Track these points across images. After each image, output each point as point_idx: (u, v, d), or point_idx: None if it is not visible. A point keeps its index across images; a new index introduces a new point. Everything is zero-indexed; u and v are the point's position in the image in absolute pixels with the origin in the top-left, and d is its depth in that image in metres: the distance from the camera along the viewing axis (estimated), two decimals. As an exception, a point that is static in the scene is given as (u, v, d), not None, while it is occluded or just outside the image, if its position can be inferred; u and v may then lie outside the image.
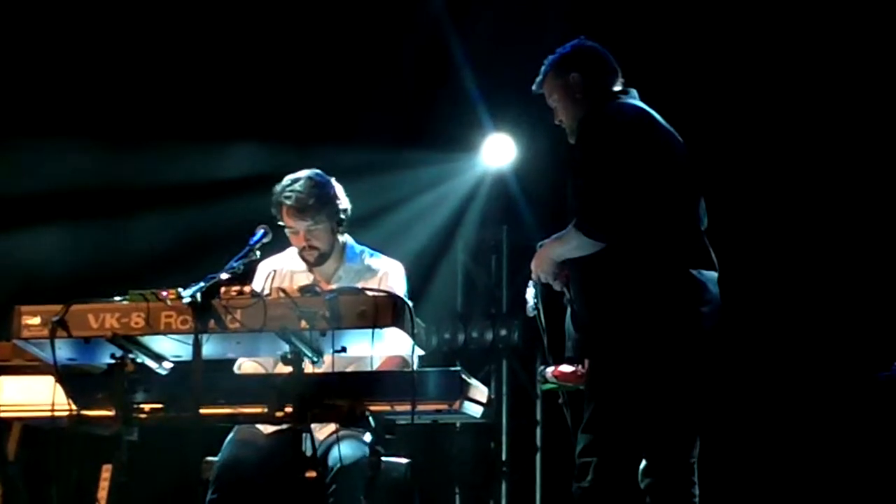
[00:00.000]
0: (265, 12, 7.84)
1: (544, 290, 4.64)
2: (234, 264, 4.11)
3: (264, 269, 4.85)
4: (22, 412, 4.40)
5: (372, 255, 4.98)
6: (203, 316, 3.87)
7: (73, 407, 4.08)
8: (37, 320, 3.97)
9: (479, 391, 4.25)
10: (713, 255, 4.35)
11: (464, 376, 4.11)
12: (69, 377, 4.08)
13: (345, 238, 4.95)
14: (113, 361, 4.02)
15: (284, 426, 4.14)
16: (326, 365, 4.11)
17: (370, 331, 3.88)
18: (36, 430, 4.56)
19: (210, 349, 3.99)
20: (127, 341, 3.98)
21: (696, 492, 4.34)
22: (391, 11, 7.87)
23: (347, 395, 4.03)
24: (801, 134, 7.34)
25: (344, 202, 4.88)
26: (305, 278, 4.81)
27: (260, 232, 4.50)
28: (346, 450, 4.47)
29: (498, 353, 8.49)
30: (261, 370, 4.81)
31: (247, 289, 3.95)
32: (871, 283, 7.14)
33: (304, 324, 3.86)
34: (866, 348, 6.40)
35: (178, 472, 4.36)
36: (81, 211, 7.39)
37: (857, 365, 6.50)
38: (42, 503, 4.56)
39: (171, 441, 3.98)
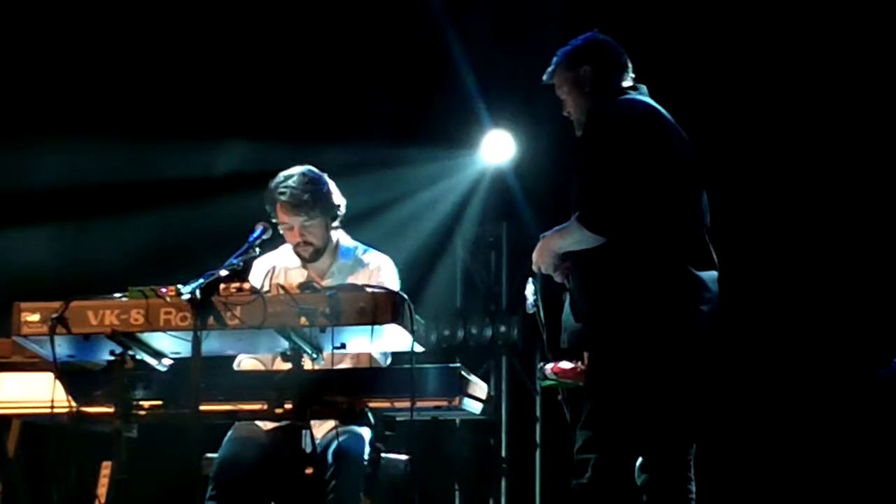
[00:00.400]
0: (265, 9, 7.83)
1: (543, 287, 4.65)
2: (234, 261, 4.12)
3: (259, 266, 4.86)
4: (21, 409, 4.40)
5: (364, 251, 4.99)
6: (202, 313, 3.87)
7: (73, 404, 4.08)
8: (36, 317, 3.97)
9: (479, 388, 4.25)
10: (714, 254, 4.35)
11: (463, 373, 4.11)
12: (69, 374, 4.08)
13: (338, 234, 4.96)
14: (112, 358, 4.02)
15: (284, 423, 4.14)
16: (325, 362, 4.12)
17: (369, 327, 3.88)
18: (35, 427, 4.56)
19: (209, 346, 3.98)
20: (126, 338, 3.98)
21: (693, 488, 4.34)
22: (390, 8, 7.87)
23: (347, 391, 4.04)
24: (801, 132, 7.34)
25: (337, 198, 4.89)
26: (299, 275, 4.81)
27: (259, 229, 4.51)
28: (346, 446, 4.47)
29: (497, 349, 8.49)
30: (260, 367, 4.82)
31: (246, 285, 3.95)
32: (871, 280, 7.14)
33: (303, 320, 3.87)
34: (866, 345, 6.39)
35: (178, 470, 4.36)
36: (80, 209, 7.39)
37: (857, 362, 6.49)
38: (42, 500, 4.57)
39: (171, 438, 3.97)
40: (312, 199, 4.77)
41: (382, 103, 7.87)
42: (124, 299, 3.98)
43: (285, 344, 3.97)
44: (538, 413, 8.43)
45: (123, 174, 7.49)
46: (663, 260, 4.22)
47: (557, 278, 4.41)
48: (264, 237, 4.54)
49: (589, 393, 4.31)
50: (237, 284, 3.94)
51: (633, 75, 4.50)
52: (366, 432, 4.59)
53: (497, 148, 8.40)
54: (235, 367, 4.80)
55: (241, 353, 4.68)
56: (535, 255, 4.41)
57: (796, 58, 7.29)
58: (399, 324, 3.90)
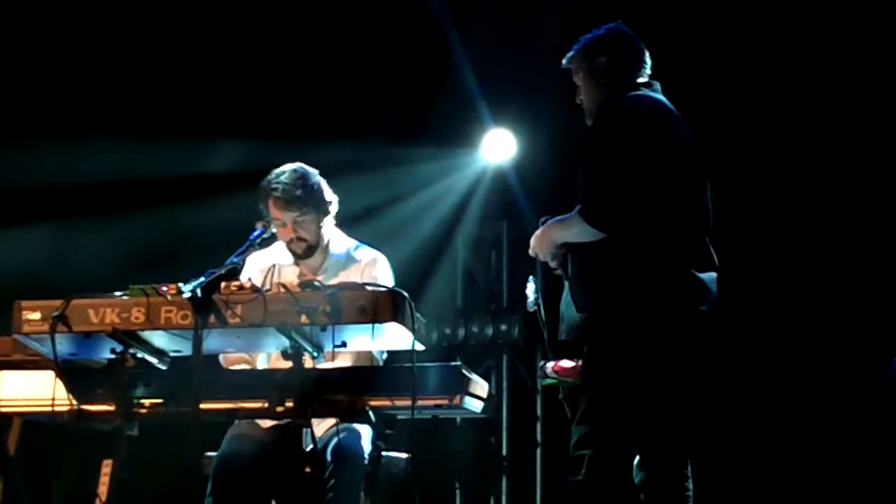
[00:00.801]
0: (267, 9, 7.84)
1: (544, 286, 4.65)
2: (235, 259, 4.12)
3: (251, 262, 4.85)
4: (22, 407, 4.41)
5: (357, 248, 4.99)
6: (203, 311, 3.86)
7: (74, 402, 4.08)
8: (37, 315, 3.97)
9: (480, 386, 4.25)
10: (714, 256, 4.35)
11: (464, 371, 4.11)
12: (69, 372, 4.08)
13: (331, 231, 4.96)
14: (113, 356, 4.02)
15: (284, 421, 4.14)
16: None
17: (370, 326, 3.88)
18: (36, 425, 4.56)
19: (210, 344, 3.99)
20: (127, 336, 3.98)
21: (690, 486, 4.34)
22: (391, 7, 7.87)
23: (348, 390, 4.03)
24: (802, 131, 7.34)
25: (329, 194, 4.90)
26: (292, 272, 4.82)
27: (260, 228, 4.51)
28: (346, 445, 4.47)
29: (498, 348, 8.49)
30: (245, 364, 4.82)
31: (247, 284, 3.95)
32: (873, 278, 7.14)
33: (304, 319, 3.86)
34: (868, 344, 6.39)
35: (179, 468, 4.36)
36: (79, 208, 7.39)
37: (859, 361, 6.49)
38: (42, 498, 4.56)
39: (172, 436, 3.98)
40: (304, 195, 4.78)
41: (383, 102, 7.87)
42: (125, 297, 3.98)
43: (286, 342, 3.96)
44: (539, 412, 8.43)
45: (123, 173, 7.50)
46: (663, 259, 4.22)
47: (553, 265, 4.42)
48: (264, 236, 4.54)
49: (586, 387, 4.31)
50: (238, 283, 3.94)
51: (649, 72, 4.50)
52: (366, 431, 4.59)
53: (498, 147, 8.40)
54: (221, 362, 4.78)
55: (242, 351, 4.68)
56: (533, 241, 4.42)
57: (795, 58, 7.29)
58: (400, 322, 3.90)
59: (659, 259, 4.21)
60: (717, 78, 7.31)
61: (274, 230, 4.62)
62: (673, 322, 4.22)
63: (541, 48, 7.32)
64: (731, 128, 7.29)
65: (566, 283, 4.45)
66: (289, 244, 4.86)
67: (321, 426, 4.56)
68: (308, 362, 4.07)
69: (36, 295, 4.04)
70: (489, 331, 8.46)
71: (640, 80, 4.46)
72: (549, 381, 4.79)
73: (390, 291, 3.94)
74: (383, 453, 4.62)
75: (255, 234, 4.44)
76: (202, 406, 3.90)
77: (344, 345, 3.99)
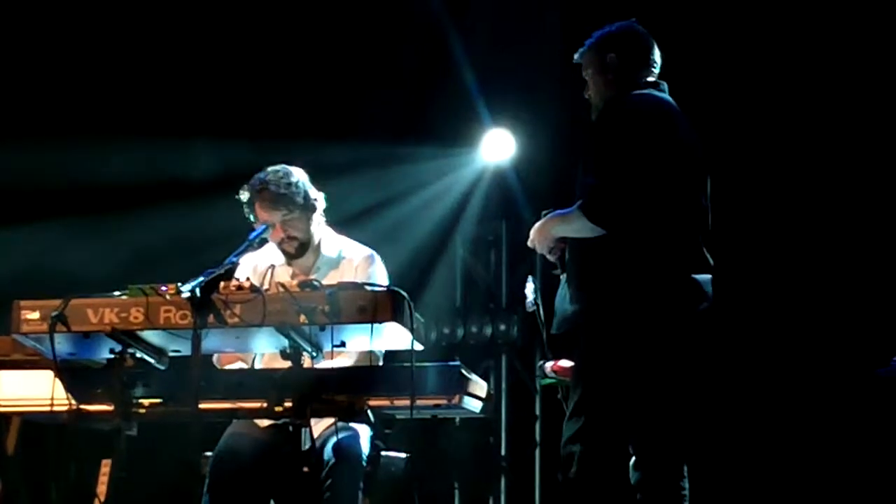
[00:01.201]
0: (267, 9, 7.83)
1: (543, 286, 4.65)
2: (234, 259, 4.12)
3: (244, 264, 4.85)
4: (21, 407, 4.40)
5: (349, 246, 4.99)
6: (202, 311, 3.86)
7: (73, 402, 4.08)
8: (36, 315, 3.97)
9: (479, 386, 4.25)
10: (710, 258, 4.35)
11: (463, 371, 4.11)
12: (68, 372, 4.08)
13: (322, 230, 4.96)
14: (112, 356, 4.02)
15: (283, 421, 4.14)
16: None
17: (369, 326, 3.88)
18: (35, 424, 4.56)
19: (209, 344, 3.99)
20: (126, 336, 3.98)
21: (686, 486, 4.33)
22: (390, 6, 7.87)
23: (346, 389, 4.03)
24: (801, 132, 7.34)
25: (314, 192, 4.90)
26: (285, 272, 4.82)
27: (260, 227, 4.52)
28: (345, 444, 4.48)
29: (497, 348, 8.49)
30: (242, 364, 4.82)
31: (246, 283, 3.95)
32: (870, 278, 7.14)
33: (303, 318, 3.86)
34: (865, 344, 6.39)
35: (177, 467, 4.36)
36: (79, 207, 7.39)
37: (856, 361, 6.49)
38: (41, 498, 4.56)
39: (171, 436, 3.98)
40: (290, 193, 4.80)
41: (382, 102, 7.87)
42: (124, 297, 3.98)
43: (285, 342, 3.97)
44: (538, 411, 8.43)
45: (123, 173, 7.50)
46: (659, 258, 4.22)
47: (551, 258, 4.43)
48: (264, 236, 4.54)
49: (578, 380, 4.30)
50: (237, 282, 3.94)
51: (658, 71, 4.50)
52: (365, 430, 4.60)
53: (497, 146, 8.40)
54: (215, 363, 4.79)
55: (241, 351, 4.69)
56: (532, 233, 4.43)
57: (793, 58, 7.29)
58: (399, 322, 3.90)
59: (655, 258, 4.22)
60: (717, 77, 7.31)
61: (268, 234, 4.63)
62: (666, 319, 4.22)
63: (540, 48, 7.34)
64: (732, 128, 7.29)
65: (562, 279, 4.46)
66: (280, 245, 4.87)
67: (319, 426, 4.56)
68: (307, 362, 4.07)
69: (35, 295, 4.04)
70: (488, 331, 8.46)
71: (649, 79, 4.47)
72: (547, 380, 4.79)
73: (389, 291, 3.94)
74: (382, 453, 4.62)
75: (255, 233, 4.45)
76: (201, 406, 3.90)
77: (343, 345, 3.99)
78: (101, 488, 4.40)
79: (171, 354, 4.14)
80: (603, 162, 4.22)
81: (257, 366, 4.79)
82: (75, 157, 7.27)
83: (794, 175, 7.35)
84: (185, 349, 4.02)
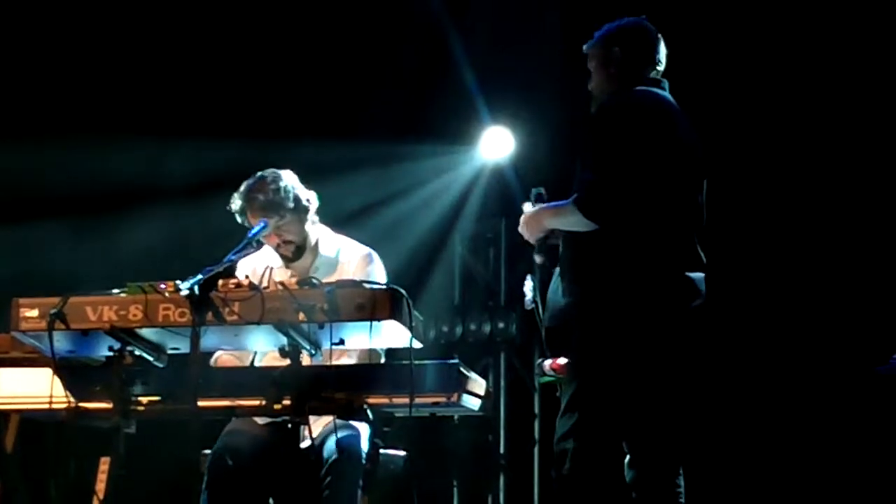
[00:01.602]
0: (268, 8, 7.83)
1: (541, 284, 4.65)
2: (233, 257, 4.12)
3: (242, 267, 4.84)
4: (20, 404, 4.40)
5: (347, 245, 4.99)
6: (201, 309, 3.86)
7: (71, 399, 4.08)
8: (35, 312, 3.97)
9: (478, 384, 4.25)
10: (703, 256, 4.35)
11: (462, 369, 4.11)
12: (67, 369, 4.08)
13: (319, 230, 4.96)
14: (111, 354, 4.02)
15: (281, 418, 4.14)
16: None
17: (368, 323, 3.88)
18: (34, 422, 4.56)
19: (208, 341, 3.99)
20: (125, 334, 3.98)
21: (682, 483, 4.33)
22: (390, 5, 7.87)
23: (345, 387, 4.03)
24: (801, 130, 7.34)
25: (304, 192, 4.90)
26: (283, 274, 4.81)
27: (259, 225, 4.51)
28: (344, 442, 4.47)
29: (496, 345, 8.49)
30: (237, 362, 4.82)
31: (245, 281, 3.95)
32: (869, 276, 7.14)
33: (301, 316, 3.86)
34: (864, 342, 6.39)
35: (176, 465, 4.36)
36: (78, 206, 7.39)
37: (856, 359, 6.49)
38: (40, 495, 4.56)
39: (169, 434, 3.98)
40: (281, 198, 4.79)
41: (382, 100, 7.87)
42: (123, 295, 3.98)
43: (283, 340, 3.97)
44: (537, 409, 8.43)
45: (122, 172, 7.50)
46: (653, 255, 4.22)
47: (538, 259, 4.43)
48: (264, 233, 4.54)
49: (572, 375, 4.29)
50: (235, 280, 3.94)
51: (662, 69, 4.50)
52: (364, 428, 4.59)
53: (496, 144, 8.40)
54: (212, 363, 4.78)
55: (240, 349, 4.69)
56: (523, 220, 4.44)
57: (791, 57, 7.30)
58: (397, 320, 3.90)
59: (650, 254, 4.21)
60: (715, 77, 7.31)
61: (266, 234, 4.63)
62: (660, 315, 4.21)
63: (539, 46, 7.34)
64: (732, 125, 7.29)
65: (555, 272, 4.46)
66: (277, 249, 4.87)
67: (318, 423, 4.56)
68: (305, 360, 4.07)
69: (38, 292, 4.04)
70: (487, 328, 8.46)
71: (651, 76, 4.47)
72: (546, 378, 4.78)
73: (388, 289, 3.94)
74: (381, 451, 4.62)
75: (254, 231, 4.45)
76: (200, 403, 3.91)
77: (342, 342, 3.99)
78: (100, 486, 4.40)
79: (170, 352, 4.14)
80: (600, 157, 4.22)
81: (257, 364, 4.79)
82: (74, 157, 7.27)
83: (795, 172, 7.35)
84: (183, 347, 4.02)
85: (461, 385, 4.10)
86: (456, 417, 7.92)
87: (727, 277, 4.46)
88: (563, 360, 4.66)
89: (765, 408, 7.25)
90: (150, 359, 4.11)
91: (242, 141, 7.32)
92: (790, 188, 7.36)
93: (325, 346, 4.02)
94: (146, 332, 4.02)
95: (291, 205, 4.82)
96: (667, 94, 4.44)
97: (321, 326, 3.89)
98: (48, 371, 4.10)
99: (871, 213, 7.19)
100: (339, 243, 4.98)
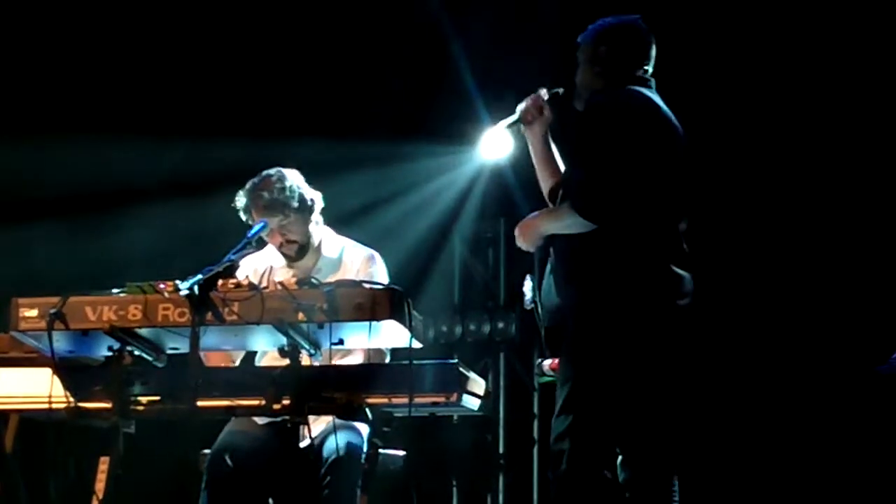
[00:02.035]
0: (268, 6, 7.84)
1: (541, 283, 4.64)
2: (232, 256, 4.12)
3: (245, 266, 4.85)
4: (19, 404, 4.40)
5: (351, 246, 4.99)
6: (201, 308, 3.86)
7: (71, 399, 4.08)
8: (34, 312, 3.97)
9: (477, 384, 4.26)
10: (688, 257, 4.35)
11: (461, 369, 4.11)
12: (67, 369, 4.08)
13: (322, 231, 4.96)
14: (110, 354, 4.02)
15: (281, 418, 4.14)
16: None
17: (367, 323, 3.88)
18: (33, 422, 4.56)
19: (207, 341, 3.99)
20: (124, 334, 3.98)
21: (676, 484, 4.33)
22: (390, 5, 7.87)
23: (345, 387, 4.03)
24: (799, 128, 7.34)
25: (310, 192, 4.90)
26: (285, 274, 4.82)
27: (259, 224, 4.51)
28: (343, 442, 4.48)
29: (495, 346, 8.48)
30: (228, 360, 4.82)
31: (244, 281, 3.95)
32: (869, 275, 7.14)
33: (301, 316, 3.86)
34: (864, 342, 6.39)
35: (176, 465, 4.36)
36: (77, 207, 7.39)
37: (855, 358, 6.49)
38: (40, 495, 4.56)
39: (169, 434, 3.98)
40: (286, 197, 4.80)
41: (381, 100, 7.87)
42: (122, 295, 3.98)
43: (283, 339, 3.97)
44: (536, 409, 8.42)
45: (123, 171, 7.50)
46: (647, 253, 4.21)
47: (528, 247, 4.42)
48: (263, 233, 4.54)
49: (566, 376, 4.28)
50: (235, 280, 3.94)
51: (650, 69, 4.49)
52: (363, 428, 4.60)
53: (495, 144, 8.38)
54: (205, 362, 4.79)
55: (239, 349, 4.69)
56: (518, 232, 4.42)
57: (787, 56, 7.30)
58: (397, 320, 3.90)
59: (642, 252, 4.21)
60: (714, 76, 7.31)
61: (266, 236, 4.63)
62: (653, 313, 4.21)
63: (539, 46, 7.33)
64: (730, 123, 7.29)
65: (546, 272, 4.45)
66: (280, 248, 4.87)
67: (318, 423, 4.57)
68: (305, 360, 4.07)
69: (37, 292, 4.04)
70: (486, 328, 8.46)
71: (638, 74, 4.46)
72: (546, 378, 4.78)
73: (388, 289, 3.94)
74: (380, 451, 4.62)
75: (253, 230, 4.45)
76: (199, 403, 3.91)
77: (341, 342, 3.99)
78: (100, 486, 4.39)
79: (170, 352, 4.14)
80: (591, 156, 4.21)
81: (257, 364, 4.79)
82: (73, 156, 7.27)
83: (794, 170, 7.35)
84: (183, 347, 4.02)
85: (460, 385, 4.10)
86: (455, 417, 7.92)
87: (727, 276, 4.46)
88: (562, 360, 4.66)
89: (763, 407, 7.24)
90: (150, 359, 4.11)
91: (242, 140, 7.32)
92: (788, 186, 7.36)
93: (325, 346, 4.03)
94: (145, 332, 4.02)
95: (296, 204, 4.82)
96: (653, 93, 4.44)
97: (321, 326, 3.90)
98: (47, 371, 4.10)
99: (870, 211, 7.19)
100: (342, 244, 4.99)
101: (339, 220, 5.10)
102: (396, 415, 4.16)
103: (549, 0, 7.55)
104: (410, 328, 3.96)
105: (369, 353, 4.68)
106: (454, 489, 8.43)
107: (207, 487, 4.55)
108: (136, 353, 4.06)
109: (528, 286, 4.62)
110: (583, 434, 4.17)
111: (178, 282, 3.95)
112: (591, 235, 4.21)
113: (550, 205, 4.58)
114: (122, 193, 7.50)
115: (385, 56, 7.91)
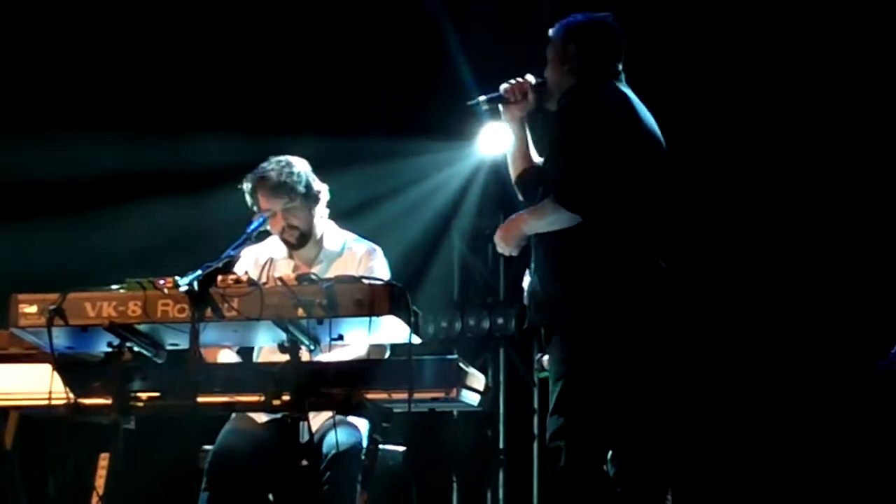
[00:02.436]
0: (267, 4, 7.84)
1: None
2: (232, 252, 4.12)
3: (245, 257, 4.85)
4: (19, 401, 4.39)
5: (353, 240, 4.99)
6: (200, 304, 3.86)
7: (71, 395, 4.07)
8: (34, 309, 3.96)
9: (476, 379, 4.25)
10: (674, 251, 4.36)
11: (461, 364, 4.11)
12: (66, 365, 4.08)
13: (325, 224, 4.96)
14: (110, 350, 4.02)
15: (281, 415, 4.14)
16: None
17: (367, 319, 3.88)
18: (33, 418, 4.56)
19: (207, 337, 3.98)
20: (124, 330, 3.98)
21: (669, 487, 4.33)
22: (387, 1, 7.87)
23: (344, 383, 4.03)
24: (795, 125, 7.34)
25: (317, 184, 4.90)
26: (286, 265, 4.83)
27: (259, 219, 4.51)
28: (342, 438, 4.47)
29: (494, 341, 8.49)
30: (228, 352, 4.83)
31: (244, 277, 3.95)
32: (868, 271, 7.14)
33: (300, 312, 3.86)
34: (863, 337, 6.39)
35: (176, 461, 4.37)
36: (76, 202, 7.39)
37: (854, 354, 6.50)
38: (39, 492, 4.57)
39: (169, 430, 3.98)
40: (291, 181, 4.81)
41: (380, 96, 7.87)
42: (122, 291, 3.97)
43: (282, 335, 3.97)
44: (535, 405, 8.43)
45: (122, 167, 7.50)
46: (632, 245, 4.22)
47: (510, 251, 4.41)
48: (262, 228, 4.54)
49: (558, 374, 4.28)
50: (234, 276, 3.94)
51: (620, 66, 4.47)
52: (363, 424, 4.60)
53: (494, 139, 8.38)
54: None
55: (238, 345, 4.69)
56: (500, 234, 4.40)
57: (783, 55, 7.30)
58: (396, 315, 3.90)
59: (628, 248, 4.21)
60: (712, 76, 7.31)
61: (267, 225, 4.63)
62: (640, 309, 4.21)
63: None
64: (730, 120, 7.30)
65: (527, 271, 4.45)
66: (281, 234, 4.87)
67: (318, 419, 4.56)
68: (305, 355, 4.07)
69: (37, 288, 4.04)
70: (486, 324, 8.46)
71: (609, 70, 4.44)
72: (545, 373, 4.78)
73: (387, 284, 3.94)
74: (380, 446, 4.62)
75: (253, 225, 4.45)
76: (199, 399, 3.91)
77: (341, 338, 3.99)
78: (99, 482, 4.40)
79: (169, 348, 4.14)
80: (570, 151, 4.21)
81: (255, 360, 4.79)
82: (71, 151, 7.27)
83: (793, 167, 7.35)
84: (182, 343, 4.02)
85: (460, 380, 4.10)
86: (455, 413, 7.94)
87: (725, 273, 4.46)
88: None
89: (762, 403, 7.25)
90: (149, 355, 4.10)
91: (240, 136, 7.32)
92: (787, 183, 7.36)
93: (325, 341, 4.03)
94: (145, 328, 4.02)
95: (303, 190, 4.82)
96: (625, 86, 4.43)
97: (320, 322, 3.89)
98: (47, 367, 4.10)
99: (869, 208, 7.19)
100: (344, 238, 4.99)
101: (338, 216, 5.10)
102: (396, 410, 4.15)
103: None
104: (410, 323, 3.96)
105: (372, 347, 4.67)
106: (454, 485, 8.44)
107: (208, 488, 4.55)
108: (136, 349, 4.05)
109: (527, 281, 4.62)
110: (577, 433, 4.18)
111: (177, 278, 3.95)
112: (575, 231, 4.20)
113: (517, 190, 4.56)
114: (121, 189, 7.50)
115: (383, 52, 7.91)
